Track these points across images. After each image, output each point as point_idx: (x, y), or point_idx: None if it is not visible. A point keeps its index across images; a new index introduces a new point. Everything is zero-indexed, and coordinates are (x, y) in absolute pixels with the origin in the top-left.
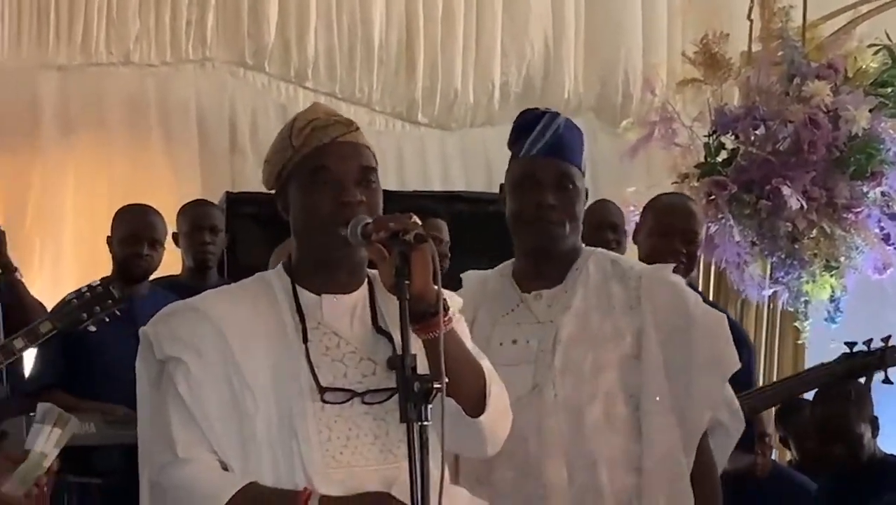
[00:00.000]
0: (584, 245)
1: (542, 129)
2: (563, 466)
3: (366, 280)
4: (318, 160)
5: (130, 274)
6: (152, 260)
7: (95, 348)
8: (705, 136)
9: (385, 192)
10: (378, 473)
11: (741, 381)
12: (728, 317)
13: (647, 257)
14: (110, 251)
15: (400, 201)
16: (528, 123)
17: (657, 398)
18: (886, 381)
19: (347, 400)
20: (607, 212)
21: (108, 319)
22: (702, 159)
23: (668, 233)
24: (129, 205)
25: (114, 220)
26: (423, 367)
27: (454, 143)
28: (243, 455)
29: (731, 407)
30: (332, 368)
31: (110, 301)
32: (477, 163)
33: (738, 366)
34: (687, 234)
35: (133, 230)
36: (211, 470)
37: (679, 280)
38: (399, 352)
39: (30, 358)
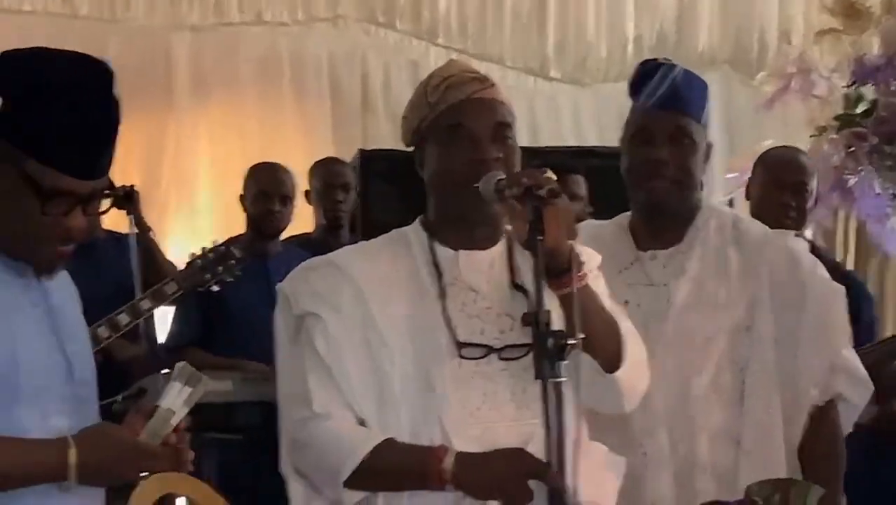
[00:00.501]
0: (704, 203)
1: (658, 80)
2: (666, 437)
3: (503, 236)
4: (454, 117)
5: (263, 231)
6: (283, 216)
7: (232, 306)
8: (844, 87)
9: (522, 148)
10: (514, 430)
11: (862, 336)
12: (848, 272)
13: (757, 212)
14: (243, 209)
15: (533, 157)
16: (644, 75)
17: (762, 372)
18: None
19: (484, 356)
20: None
21: (230, 279)
22: (840, 111)
23: (778, 186)
24: (259, 163)
25: (245, 178)
26: (559, 323)
27: (587, 99)
28: (380, 411)
29: (854, 376)
30: (469, 323)
31: (232, 261)
32: (610, 118)
33: (849, 342)
34: (797, 187)
35: (264, 187)
36: (348, 425)
37: (800, 247)
38: (534, 308)
39: (167, 317)
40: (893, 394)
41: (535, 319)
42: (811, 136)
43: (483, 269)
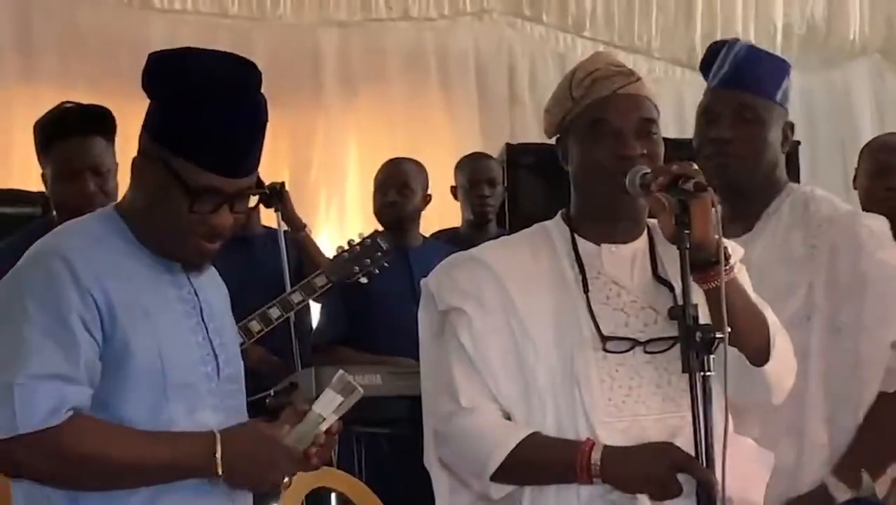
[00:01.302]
0: (787, 184)
1: (721, 59)
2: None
3: (645, 229)
4: (598, 112)
5: (384, 222)
6: (402, 205)
7: (375, 300)
8: None
9: (666, 139)
10: (661, 423)
11: None
12: None
13: (866, 200)
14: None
15: (681, 149)
16: (712, 55)
17: (823, 362)
18: None
19: (630, 349)
20: None
21: (378, 271)
22: None
23: (885, 172)
24: (390, 159)
25: (377, 173)
26: (705, 316)
27: None
28: (526, 404)
29: None
30: (612, 316)
31: (379, 253)
32: None
33: None
34: None
35: (382, 181)
36: (495, 419)
37: (872, 226)
38: (679, 301)
39: (315, 312)
40: None
41: (682, 313)
42: None
43: (626, 262)
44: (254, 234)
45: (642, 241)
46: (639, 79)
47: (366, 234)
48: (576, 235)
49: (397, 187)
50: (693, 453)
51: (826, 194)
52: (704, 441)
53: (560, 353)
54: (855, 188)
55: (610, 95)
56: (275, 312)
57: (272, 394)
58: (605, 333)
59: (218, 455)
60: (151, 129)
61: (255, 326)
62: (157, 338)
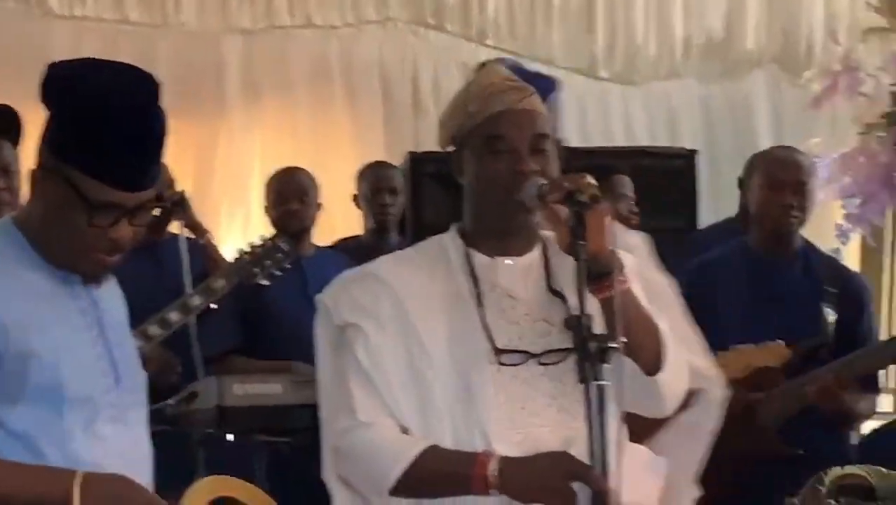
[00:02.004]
0: None
1: None
2: None
3: (539, 242)
4: (493, 128)
5: (287, 229)
6: (303, 213)
7: (269, 309)
8: (891, 84)
9: (568, 148)
10: (556, 434)
11: (858, 338)
12: (852, 276)
13: (759, 214)
14: (270, 218)
15: (582, 157)
16: None
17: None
18: None
19: (524, 361)
20: None
21: (279, 273)
22: (888, 109)
23: (777, 187)
24: (276, 171)
25: (265, 189)
26: (599, 326)
27: (637, 98)
28: (422, 419)
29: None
30: (507, 330)
31: (280, 255)
32: (660, 117)
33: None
34: (797, 187)
35: (281, 190)
36: (392, 433)
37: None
38: (574, 312)
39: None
40: None
41: (577, 323)
42: (859, 134)
43: (520, 275)
44: (157, 240)
45: (536, 254)
46: (533, 93)
47: (267, 237)
48: (470, 249)
49: (298, 196)
50: (588, 462)
51: None
52: (600, 450)
53: (456, 367)
54: (745, 200)
55: (505, 111)
56: (174, 316)
57: (172, 403)
58: (499, 346)
59: (75, 495)
60: (49, 141)
61: (153, 330)
62: (56, 352)
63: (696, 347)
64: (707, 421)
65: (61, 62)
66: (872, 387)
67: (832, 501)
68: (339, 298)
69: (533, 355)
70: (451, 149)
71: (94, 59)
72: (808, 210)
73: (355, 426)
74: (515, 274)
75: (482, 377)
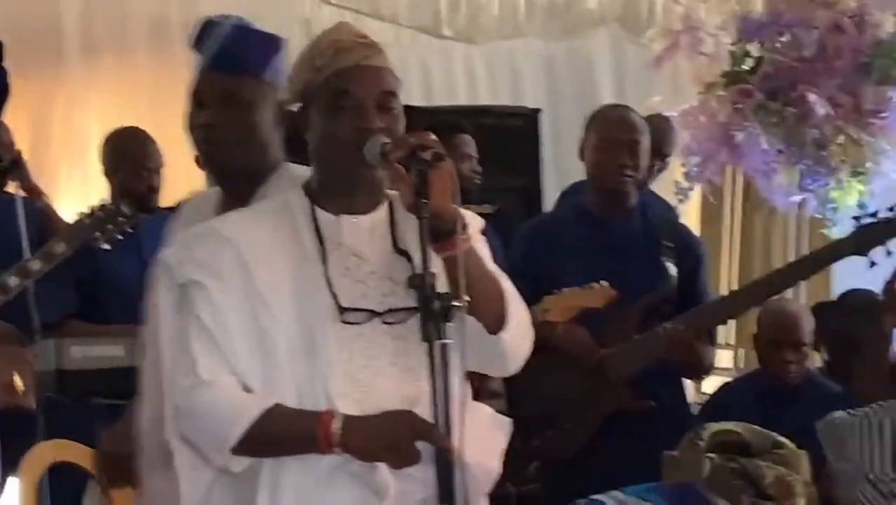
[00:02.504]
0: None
1: (210, 40)
2: None
3: (385, 200)
4: (340, 84)
5: (142, 205)
6: (147, 177)
7: (103, 271)
8: (730, 44)
9: (411, 107)
10: (399, 393)
11: (697, 292)
12: (688, 232)
13: (594, 174)
14: (109, 182)
15: (426, 116)
16: (201, 34)
17: None
18: None
19: (367, 320)
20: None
21: (121, 237)
22: (727, 68)
23: (611, 147)
24: (120, 130)
25: (106, 147)
26: (443, 285)
27: (480, 57)
28: (265, 377)
29: None
30: (351, 288)
31: (122, 218)
32: (503, 76)
33: None
34: (631, 146)
35: (119, 153)
36: (235, 392)
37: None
38: (418, 271)
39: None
40: None
41: (420, 282)
42: (699, 93)
43: (365, 233)
44: None
45: (382, 212)
46: (381, 51)
47: (107, 200)
48: (316, 207)
49: (139, 159)
50: (432, 421)
51: None
52: (443, 409)
53: (299, 325)
54: (582, 160)
55: (352, 67)
56: (12, 281)
57: None
58: (343, 304)
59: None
60: None
61: None
62: None
63: None
64: None
65: None
66: (710, 340)
67: (712, 455)
68: (181, 256)
69: (377, 314)
70: (297, 106)
71: None
72: (642, 169)
73: (197, 385)
74: (361, 232)
75: (325, 335)
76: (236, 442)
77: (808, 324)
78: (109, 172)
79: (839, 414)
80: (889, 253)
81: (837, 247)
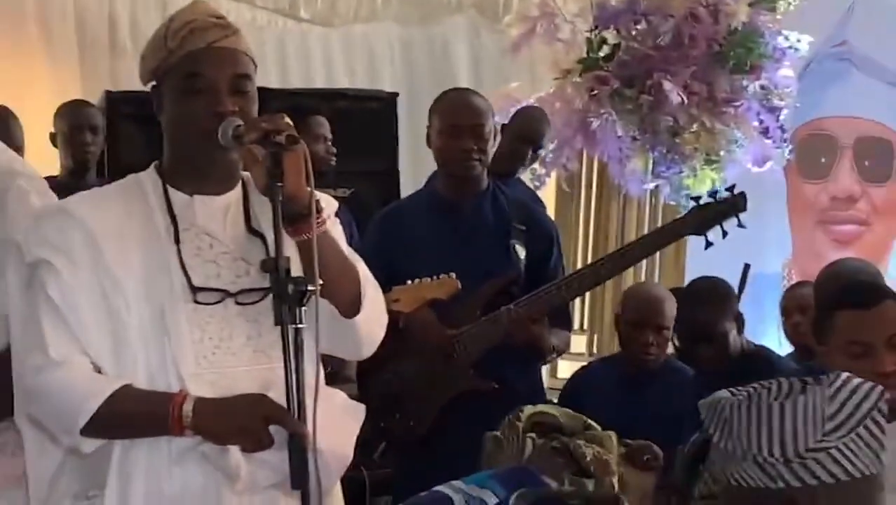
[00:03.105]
0: None
1: None
2: None
3: (240, 182)
4: (193, 66)
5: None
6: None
7: None
8: (587, 31)
9: (267, 89)
10: (252, 375)
11: (547, 275)
12: (541, 215)
13: (441, 160)
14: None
15: (282, 99)
16: None
17: None
18: (740, 225)
19: (220, 300)
20: None
21: None
22: (584, 55)
23: (456, 132)
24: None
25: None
26: (297, 269)
27: (337, 40)
28: (116, 357)
29: None
30: (204, 268)
31: None
32: (360, 59)
33: None
34: (475, 130)
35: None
36: (85, 372)
37: None
38: (272, 254)
39: None
40: None
41: (274, 266)
42: (555, 80)
43: (219, 214)
44: None
45: (236, 194)
46: (236, 32)
47: None
48: (168, 187)
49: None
50: (285, 405)
51: None
52: (296, 393)
53: (151, 305)
54: (429, 146)
55: (205, 48)
56: None
57: None
58: (196, 284)
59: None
60: None
61: None
62: None
63: None
64: None
65: None
66: (564, 323)
67: (533, 435)
68: (30, 235)
69: (230, 294)
70: (151, 85)
71: None
72: (489, 151)
73: (47, 365)
74: (214, 212)
75: (177, 315)
76: (85, 422)
77: (670, 308)
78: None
79: (723, 394)
80: (725, 234)
81: (675, 226)
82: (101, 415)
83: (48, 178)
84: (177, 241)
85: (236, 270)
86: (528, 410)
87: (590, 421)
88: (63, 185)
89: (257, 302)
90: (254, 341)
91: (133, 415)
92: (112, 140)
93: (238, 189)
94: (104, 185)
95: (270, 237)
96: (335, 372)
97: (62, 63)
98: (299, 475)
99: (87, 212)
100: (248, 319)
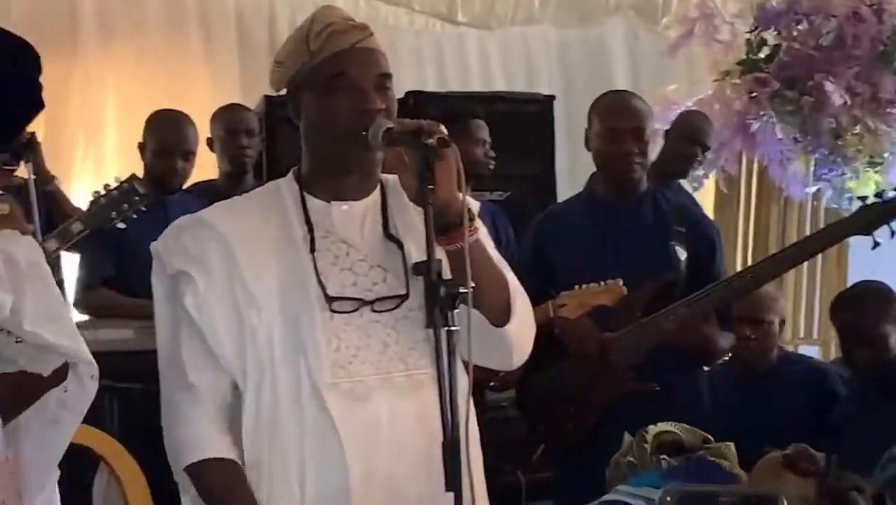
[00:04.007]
0: None
1: None
2: None
3: (377, 187)
4: (338, 66)
5: (164, 187)
6: (185, 172)
7: (132, 247)
8: (747, 32)
9: (424, 93)
10: (387, 383)
11: (709, 277)
12: (701, 216)
13: (601, 164)
14: (142, 157)
15: (439, 102)
16: None
17: None
18: None
19: (356, 309)
20: None
21: (135, 215)
22: (743, 56)
23: (616, 136)
24: (161, 112)
25: (146, 126)
26: (447, 274)
27: (494, 43)
28: (251, 369)
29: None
30: (340, 277)
31: (136, 197)
32: (517, 62)
33: None
34: (635, 133)
35: (166, 143)
36: (207, 411)
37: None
38: (410, 260)
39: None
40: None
41: (427, 269)
42: (714, 81)
43: (356, 220)
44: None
45: (374, 198)
46: (372, 33)
47: (122, 179)
48: (306, 194)
49: (182, 154)
50: (438, 410)
51: None
52: (449, 396)
53: (285, 315)
54: (588, 149)
55: (349, 49)
56: None
57: None
58: (331, 293)
59: None
60: None
61: None
62: None
63: None
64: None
65: None
66: (727, 325)
67: (665, 457)
68: (170, 246)
69: (366, 302)
70: (288, 91)
71: None
72: (649, 154)
73: (179, 384)
74: (351, 219)
75: (312, 325)
76: (183, 468)
77: (772, 303)
78: (142, 151)
79: None
80: (893, 233)
81: (842, 225)
82: (193, 472)
83: (206, 183)
84: (312, 250)
85: (373, 278)
86: (651, 430)
87: (707, 435)
88: (221, 190)
89: (394, 309)
90: (390, 349)
91: (213, 493)
92: (271, 143)
93: (375, 194)
94: (239, 196)
95: (408, 243)
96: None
97: (222, 67)
98: (454, 477)
99: (224, 222)
100: (385, 327)
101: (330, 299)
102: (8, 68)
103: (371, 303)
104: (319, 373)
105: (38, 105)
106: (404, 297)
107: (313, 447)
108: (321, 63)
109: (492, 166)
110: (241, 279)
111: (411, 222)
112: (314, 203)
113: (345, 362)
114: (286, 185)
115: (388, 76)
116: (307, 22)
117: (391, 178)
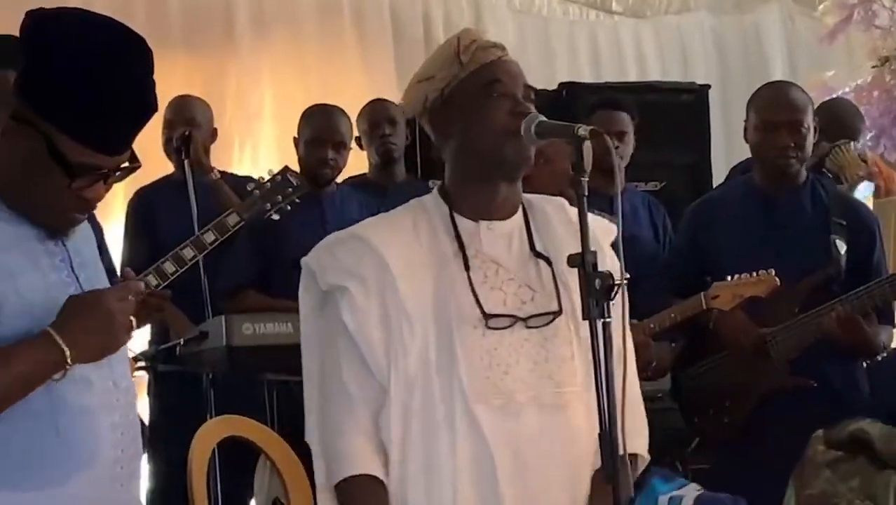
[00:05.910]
0: None
1: None
2: None
3: (520, 207)
4: (492, 74)
5: (316, 179)
6: (337, 164)
7: (284, 240)
8: None
9: (576, 84)
10: (538, 400)
11: (869, 269)
12: (861, 208)
13: (758, 156)
14: (297, 151)
15: (593, 92)
16: None
17: None
18: None
19: (511, 325)
20: None
21: (289, 207)
22: None
23: (773, 128)
24: (315, 106)
25: (301, 120)
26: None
27: (648, 32)
28: (402, 383)
29: None
30: (490, 295)
31: (290, 189)
32: (672, 51)
33: None
34: (792, 126)
35: (318, 133)
36: (361, 426)
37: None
38: (558, 277)
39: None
40: None
41: (581, 261)
42: (873, 67)
43: (503, 240)
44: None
45: (518, 218)
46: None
47: (276, 171)
48: (454, 212)
49: (334, 145)
50: (584, 428)
51: None
52: (606, 387)
53: (438, 331)
54: (746, 142)
55: (497, 61)
56: (188, 253)
57: (182, 343)
58: (486, 310)
59: (61, 344)
60: (28, 94)
61: (168, 267)
62: (25, 298)
63: None
64: None
65: (44, 11)
66: (888, 320)
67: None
68: (325, 262)
69: (520, 319)
70: (434, 107)
71: (78, 10)
72: (807, 147)
73: (337, 394)
74: (498, 238)
75: (466, 341)
76: (333, 484)
77: None
78: (297, 145)
79: None
80: None
81: None
82: (342, 486)
83: (358, 177)
84: (467, 267)
85: (521, 296)
86: (847, 424)
87: None
88: (373, 182)
89: (546, 325)
90: (540, 366)
91: None
92: (424, 138)
93: (519, 214)
94: (416, 183)
95: (555, 259)
96: None
97: (377, 59)
98: (612, 470)
99: (379, 238)
100: (535, 344)
101: (487, 316)
102: (115, 68)
103: (525, 319)
104: (472, 388)
105: (148, 107)
106: (557, 313)
107: (465, 462)
108: (475, 72)
109: (625, 160)
110: (394, 294)
111: (556, 240)
112: (463, 222)
113: (497, 379)
114: (432, 203)
115: (532, 89)
116: (453, 39)
117: (533, 199)
